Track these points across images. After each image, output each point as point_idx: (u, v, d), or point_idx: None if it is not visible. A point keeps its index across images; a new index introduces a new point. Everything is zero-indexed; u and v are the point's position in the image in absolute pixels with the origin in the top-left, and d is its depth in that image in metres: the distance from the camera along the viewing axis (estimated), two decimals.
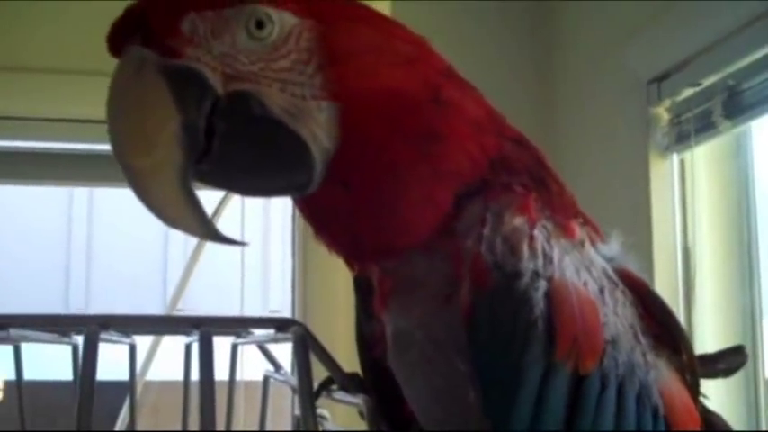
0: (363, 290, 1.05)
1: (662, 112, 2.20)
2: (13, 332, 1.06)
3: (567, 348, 0.82)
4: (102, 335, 0.99)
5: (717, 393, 1.07)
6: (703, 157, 2.16)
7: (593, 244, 0.91)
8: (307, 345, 0.97)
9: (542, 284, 0.83)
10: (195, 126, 0.82)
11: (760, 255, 2.09)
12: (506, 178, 0.89)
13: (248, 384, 2.12)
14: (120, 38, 0.85)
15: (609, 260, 0.91)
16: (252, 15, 0.85)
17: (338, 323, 2.64)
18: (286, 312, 3.04)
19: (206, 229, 0.85)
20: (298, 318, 2.79)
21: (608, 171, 2.31)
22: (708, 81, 2.04)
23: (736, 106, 1.97)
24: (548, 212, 0.89)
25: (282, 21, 0.86)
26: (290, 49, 0.86)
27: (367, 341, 1.07)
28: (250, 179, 0.88)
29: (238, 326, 1.17)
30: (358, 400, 1.02)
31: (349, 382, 1.06)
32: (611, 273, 0.90)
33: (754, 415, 1.99)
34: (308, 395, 0.94)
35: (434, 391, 0.92)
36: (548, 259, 0.85)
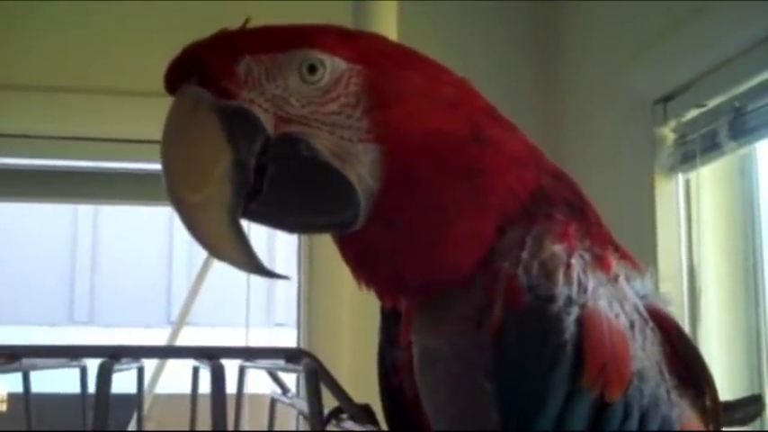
0: (388, 318, 1.06)
1: (667, 133, 2.20)
2: (25, 361, 1.07)
3: (594, 374, 0.83)
4: (116, 365, 1.00)
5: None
6: (708, 177, 2.17)
7: (628, 279, 0.91)
8: (318, 378, 0.98)
9: (575, 310, 0.84)
10: (246, 164, 0.86)
11: (765, 274, 2.09)
12: (547, 209, 0.91)
13: (252, 398, 2.13)
14: (176, 76, 0.88)
15: (641, 297, 0.91)
16: (305, 60, 0.88)
17: (343, 339, 2.64)
18: (291, 326, 3.04)
19: (252, 264, 0.87)
20: (303, 332, 2.80)
21: (613, 191, 2.31)
22: (713, 102, 2.04)
23: (741, 127, 1.97)
24: (587, 243, 0.90)
25: (334, 66, 0.89)
26: (339, 93, 0.89)
27: (388, 369, 1.08)
28: (298, 218, 0.91)
29: (249, 356, 1.18)
30: (367, 430, 1.03)
31: (359, 413, 1.06)
32: (642, 309, 0.90)
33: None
34: (319, 428, 0.95)
35: (458, 410, 0.93)
36: (582, 288, 0.86)
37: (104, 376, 0.90)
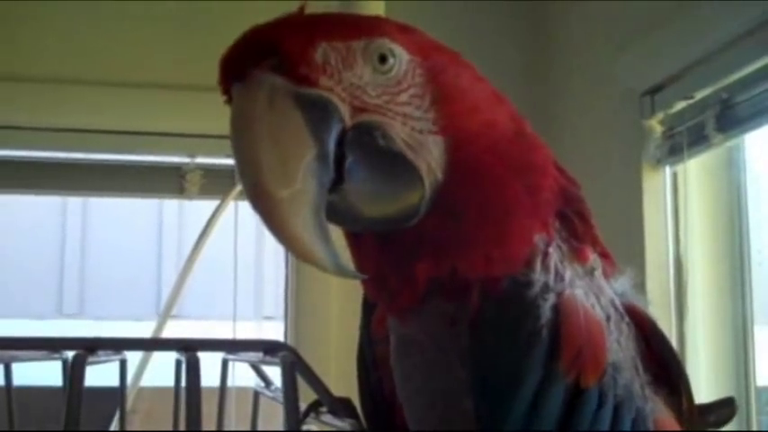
0: (371, 313, 1.05)
1: (655, 125, 2.20)
2: (4, 353, 1.06)
3: (570, 360, 0.83)
4: (92, 357, 0.99)
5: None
6: (696, 169, 2.17)
7: (605, 276, 0.92)
8: (294, 371, 0.97)
9: (551, 297, 0.85)
10: (328, 157, 0.82)
11: (751, 266, 2.10)
12: (571, 209, 0.93)
13: (239, 391, 2.12)
14: (242, 62, 0.84)
15: (619, 295, 0.92)
16: (377, 49, 0.86)
17: (331, 332, 2.64)
18: (279, 319, 3.04)
19: (335, 264, 0.82)
20: (290, 325, 2.79)
21: (601, 183, 2.31)
22: (701, 94, 2.04)
23: (728, 119, 1.97)
24: (564, 234, 0.91)
25: (402, 56, 0.87)
26: (408, 84, 0.87)
27: (368, 366, 1.07)
28: (374, 209, 0.86)
29: (228, 348, 1.17)
30: (345, 424, 1.02)
31: (338, 406, 1.06)
32: (618, 305, 0.91)
33: (746, 423, 2.00)
34: (295, 421, 0.94)
35: (431, 395, 0.93)
36: (559, 276, 0.87)
37: (77, 369, 0.88)
